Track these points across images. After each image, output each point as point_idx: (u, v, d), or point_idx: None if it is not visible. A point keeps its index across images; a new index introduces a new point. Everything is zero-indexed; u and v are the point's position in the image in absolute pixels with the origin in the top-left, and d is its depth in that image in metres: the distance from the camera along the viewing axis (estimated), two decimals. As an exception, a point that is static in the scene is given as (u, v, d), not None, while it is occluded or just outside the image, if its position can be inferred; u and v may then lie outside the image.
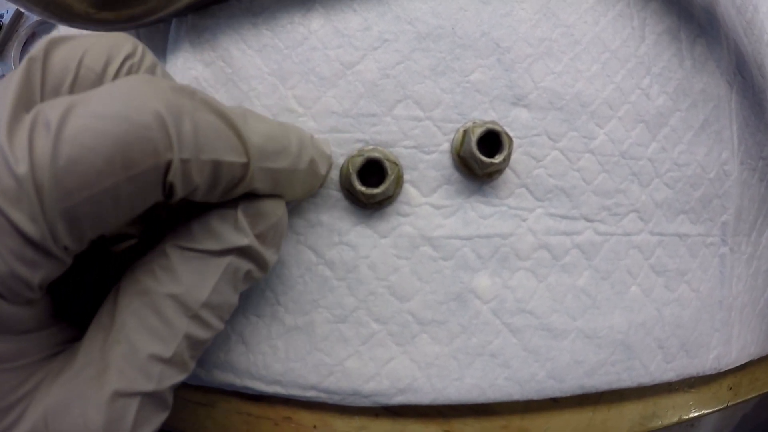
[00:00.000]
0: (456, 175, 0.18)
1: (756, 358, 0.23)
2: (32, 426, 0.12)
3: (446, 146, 0.18)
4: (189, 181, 0.12)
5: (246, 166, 0.12)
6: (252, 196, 0.14)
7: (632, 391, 0.22)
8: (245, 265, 0.14)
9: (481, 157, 0.17)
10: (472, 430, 0.20)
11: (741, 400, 0.24)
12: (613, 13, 0.20)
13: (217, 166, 0.12)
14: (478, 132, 0.17)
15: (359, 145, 0.18)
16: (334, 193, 0.18)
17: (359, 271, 0.18)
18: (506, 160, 0.17)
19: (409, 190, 0.18)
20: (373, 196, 0.17)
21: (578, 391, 0.19)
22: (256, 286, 0.18)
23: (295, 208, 0.18)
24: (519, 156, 0.19)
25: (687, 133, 0.21)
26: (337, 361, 0.17)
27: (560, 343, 0.19)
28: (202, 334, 0.13)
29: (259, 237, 0.14)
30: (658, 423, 0.23)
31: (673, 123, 0.21)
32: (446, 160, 0.18)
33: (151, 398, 0.13)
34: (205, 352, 0.18)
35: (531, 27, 0.19)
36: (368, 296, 0.18)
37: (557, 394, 0.19)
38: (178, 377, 0.13)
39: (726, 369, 0.22)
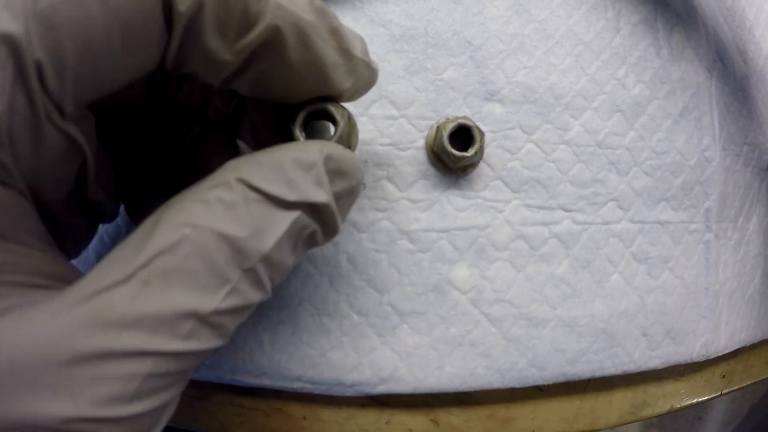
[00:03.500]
0: (431, 170, 0.19)
1: (747, 344, 0.23)
2: None
3: (421, 143, 0.19)
4: None
5: None
6: (333, 150, 0.12)
7: (620, 379, 0.22)
8: (313, 225, 0.12)
9: (453, 151, 0.18)
10: (457, 420, 0.20)
11: (736, 387, 0.24)
12: (586, 6, 0.21)
13: None
14: (449, 127, 0.18)
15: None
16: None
17: (340, 266, 0.18)
18: (478, 153, 0.18)
19: (386, 186, 0.19)
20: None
21: (561, 379, 0.19)
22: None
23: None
24: (493, 149, 0.19)
25: (665, 120, 0.21)
26: (320, 353, 0.18)
27: (540, 331, 0.19)
28: (251, 295, 0.11)
29: (335, 197, 0.12)
30: (650, 412, 0.23)
31: (651, 111, 0.21)
32: (421, 156, 0.19)
33: (173, 362, 0.10)
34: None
35: (503, 24, 0.20)
36: (349, 289, 0.18)
37: (539, 382, 0.19)
38: (209, 344, 0.10)
39: (715, 356, 0.22)
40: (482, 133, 0.18)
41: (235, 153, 0.16)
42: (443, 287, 0.18)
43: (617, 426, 0.23)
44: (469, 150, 0.18)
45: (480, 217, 0.19)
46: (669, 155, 0.21)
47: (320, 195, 0.11)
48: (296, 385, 0.18)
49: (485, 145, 0.19)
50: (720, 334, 0.22)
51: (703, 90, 0.22)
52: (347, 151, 0.12)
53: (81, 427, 0.09)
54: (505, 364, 0.19)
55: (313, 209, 0.12)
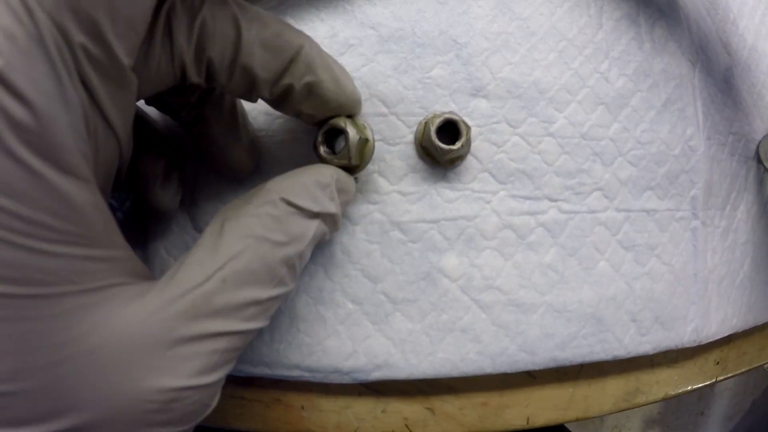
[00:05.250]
0: (420, 164, 0.20)
1: (739, 330, 0.23)
2: (98, 339, 0.11)
3: (410, 138, 0.20)
4: None
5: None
6: (339, 175, 0.16)
7: (613, 366, 0.22)
8: (325, 229, 0.15)
9: (441, 145, 0.18)
10: (452, 408, 0.21)
11: (730, 375, 0.24)
12: (568, 3, 0.22)
13: None
14: (436, 122, 0.19)
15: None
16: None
17: (334, 256, 0.19)
18: (465, 146, 0.19)
19: (377, 180, 0.19)
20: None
21: (551, 364, 0.20)
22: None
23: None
24: (480, 143, 0.20)
25: (649, 112, 0.22)
26: (317, 341, 0.19)
27: (529, 317, 0.19)
28: (290, 283, 0.14)
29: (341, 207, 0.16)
30: (644, 399, 0.23)
31: (634, 103, 0.22)
32: (411, 151, 0.20)
33: (239, 339, 0.13)
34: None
35: (488, 22, 0.21)
36: (343, 279, 0.19)
37: (530, 367, 0.20)
38: (262, 324, 0.14)
39: (707, 342, 0.22)
40: (468, 127, 0.19)
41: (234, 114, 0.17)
42: (434, 275, 0.19)
43: (611, 413, 0.23)
44: (456, 143, 0.18)
45: (468, 207, 0.19)
46: (653, 145, 0.22)
47: (333, 207, 0.15)
48: (295, 374, 0.19)
49: (472, 139, 0.20)
50: (710, 319, 0.22)
51: (686, 81, 0.22)
52: (348, 175, 0.17)
53: (179, 394, 0.12)
54: (495, 349, 0.19)
55: (328, 217, 0.15)
